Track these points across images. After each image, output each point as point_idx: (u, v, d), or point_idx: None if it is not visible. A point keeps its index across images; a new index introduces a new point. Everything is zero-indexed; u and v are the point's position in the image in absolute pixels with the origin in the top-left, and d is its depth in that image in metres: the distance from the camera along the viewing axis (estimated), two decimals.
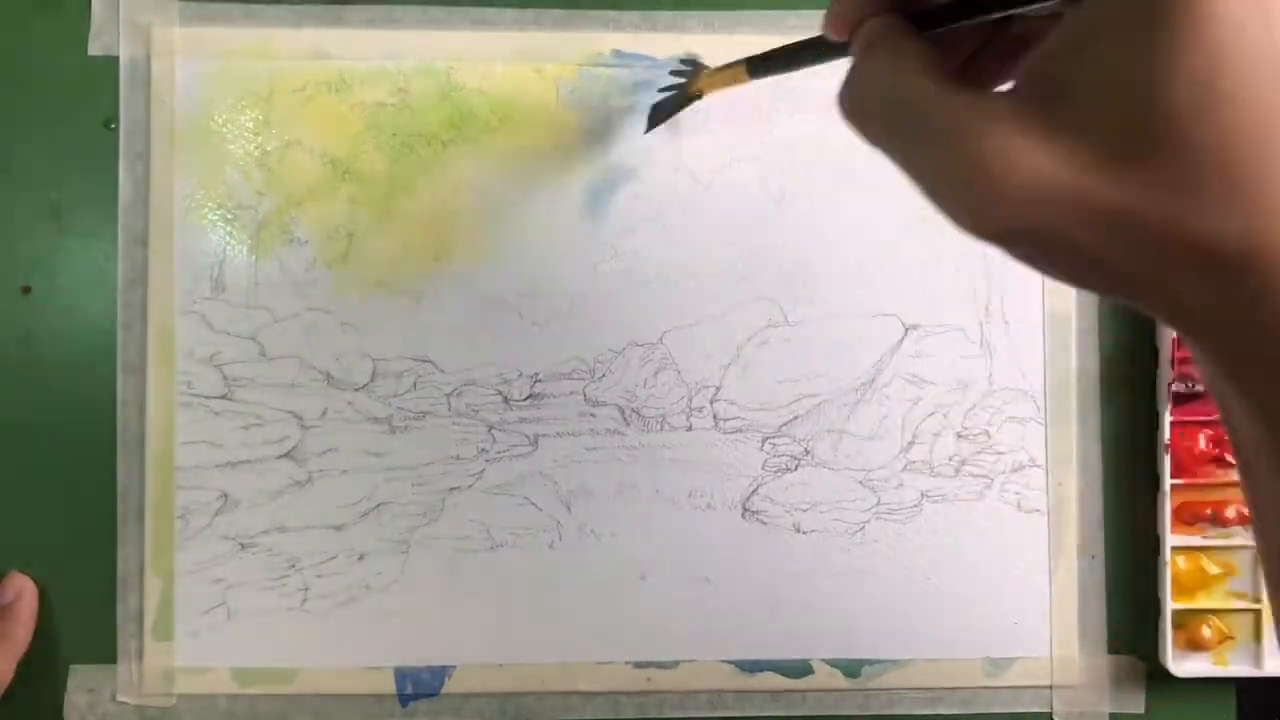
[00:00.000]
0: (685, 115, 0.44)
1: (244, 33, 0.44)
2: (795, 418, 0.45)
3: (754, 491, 0.44)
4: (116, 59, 0.44)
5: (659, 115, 0.43)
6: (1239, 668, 0.44)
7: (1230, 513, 0.44)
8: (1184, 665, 0.43)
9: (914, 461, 0.45)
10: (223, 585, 0.43)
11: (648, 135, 0.44)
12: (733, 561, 0.44)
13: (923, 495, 0.45)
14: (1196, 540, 0.44)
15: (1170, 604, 0.43)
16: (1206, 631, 0.44)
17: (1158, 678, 0.44)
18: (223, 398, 0.43)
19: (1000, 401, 0.45)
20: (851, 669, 0.44)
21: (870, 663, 0.44)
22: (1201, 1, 0.17)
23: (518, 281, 0.44)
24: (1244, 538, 0.44)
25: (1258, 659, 0.44)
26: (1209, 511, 0.44)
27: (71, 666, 0.43)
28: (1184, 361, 0.43)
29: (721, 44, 0.44)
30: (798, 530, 0.44)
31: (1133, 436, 0.45)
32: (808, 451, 0.45)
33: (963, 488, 0.45)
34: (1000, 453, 0.45)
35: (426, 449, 0.44)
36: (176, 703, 0.43)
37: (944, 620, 0.45)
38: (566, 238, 0.44)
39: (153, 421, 0.43)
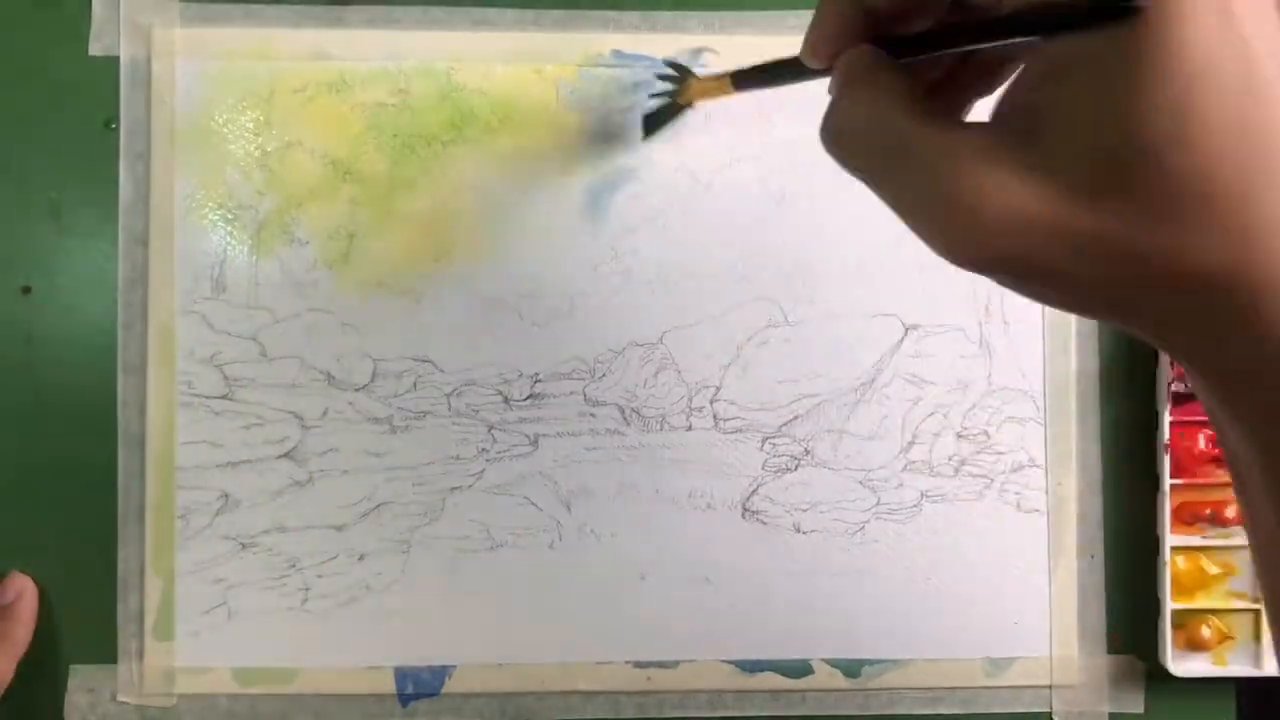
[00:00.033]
0: (685, 114, 0.44)
1: (244, 33, 0.44)
2: (795, 418, 0.45)
3: (754, 491, 0.44)
4: (117, 59, 0.44)
5: (653, 123, 0.43)
6: (1238, 668, 0.44)
7: (1230, 513, 0.44)
8: (1184, 665, 0.44)
9: (914, 461, 0.45)
10: (223, 585, 0.43)
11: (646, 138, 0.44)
12: (733, 561, 0.44)
13: (923, 495, 0.45)
14: (1196, 540, 0.44)
15: (1170, 604, 0.44)
16: (1206, 631, 0.44)
17: (1157, 678, 0.44)
18: (223, 398, 0.44)
19: (1000, 401, 0.45)
20: (851, 669, 0.44)
21: (870, 663, 0.44)
22: (1174, 34, 0.17)
23: (518, 281, 0.44)
24: (1243, 538, 0.44)
25: (1257, 659, 0.44)
26: (1208, 511, 0.44)
27: (71, 666, 0.43)
28: None
29: (722, 44, 0.44)
30: (798, 530, 0.44)
31: (1132, 437, 0.45)
32: (808, 451, 0.45)
33: (963, 488, 0.45)
34: (1000, 453, 0.45)
35: (427, 449, 0.44)
36: (177, 703, 0.43)
37: (944, 620, 0.45)
38: (566, 238, 0.44)
39: (153, 421, 0.43)
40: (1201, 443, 0.44)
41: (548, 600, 0.44)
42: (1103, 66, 0.17)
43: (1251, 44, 0.17)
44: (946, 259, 0.20)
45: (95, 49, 0.44)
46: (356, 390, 0.44)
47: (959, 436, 0.45)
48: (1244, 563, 0.44)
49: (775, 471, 0.45)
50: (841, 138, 0.22)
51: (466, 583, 0.44)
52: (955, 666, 0.45)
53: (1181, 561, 0.44)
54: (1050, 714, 0.45)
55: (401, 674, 0.44)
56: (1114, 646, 0.45)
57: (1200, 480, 0.44)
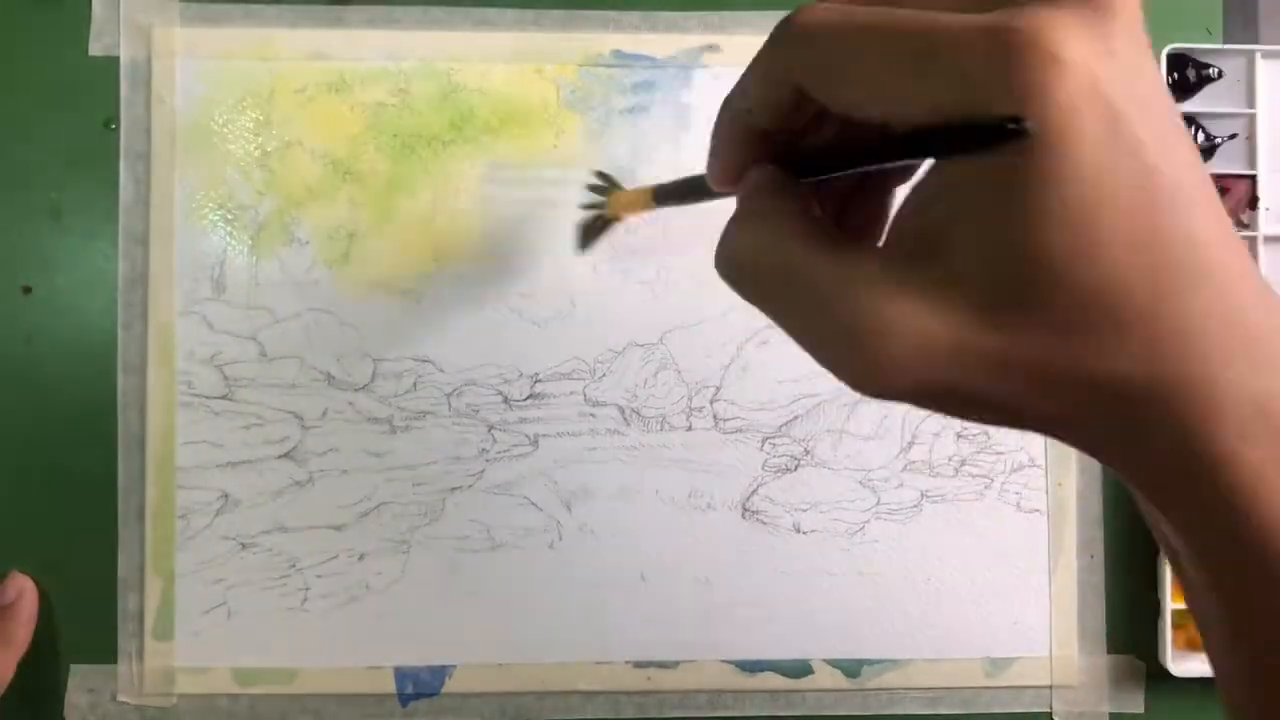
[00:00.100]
0: (685, 114, 0.44)
1: (244, 33, 0.44)
2: (795, 418, 0.45)
3: (754, 491, 0.44)
4: (117, 59, 0.44)
5: (586, 237, 0.43)
6: None
7: None
8: (1184, 665, 0.44)
9: (914, 461, 0.45)
10: (223, 585, 0.43)
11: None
12: (733, 561, 0.44)
13: (923, 495, 0.45)
14: None
15: (1170, 604, 0.44)
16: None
17: (1157, 678, 0.44)
18: (223, 398, 0.44)
19: None
20: (851, 669, 0.44)
21: (870, 663, 0.44)
22: (1064, 155, 0.16)
23: (518, 281, 0.44)
24: None
25: None
26: None
27: (71, 666, 0.43)
28: None
29: (722, 44, 0.44)
30: (798, 530, 0.44)
31: None
32: (808, 451, 0.45)
33: (963, 488, 0.45)
34: (1000, 453, 0.45)
35: (427, 449, 0.44)
36: (177, 703, 0.43)
37: (944, 620, 0.45)
38: (566, 238, 0.44)
39: (153, 421, 0.43)
40: None
41: (548, 600, 0.44)
42: (995, 187, 0.17)
43: (1146, 152, 0.17)
44: (858, 391, 0.19)
45: (95, 49, 0.44)
46: (356, 390, 0.44)
47: (959, 436, 0.45)
48: None
49: (775, 471, 0.44)
50: (734, 267, 0.21)
51: (466, 583, 0.44)
52: (955, 666, 0.45)
53: None
54: (1050, 714, 0.45)
55: (401, 674, 0.44)
56: (1114, 647, 0.45)
57: None
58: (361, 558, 0.44)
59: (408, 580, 0.44)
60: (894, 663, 0.44)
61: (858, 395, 0.20)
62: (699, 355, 0.44)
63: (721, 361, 0.44)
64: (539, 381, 0.44)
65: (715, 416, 0.44)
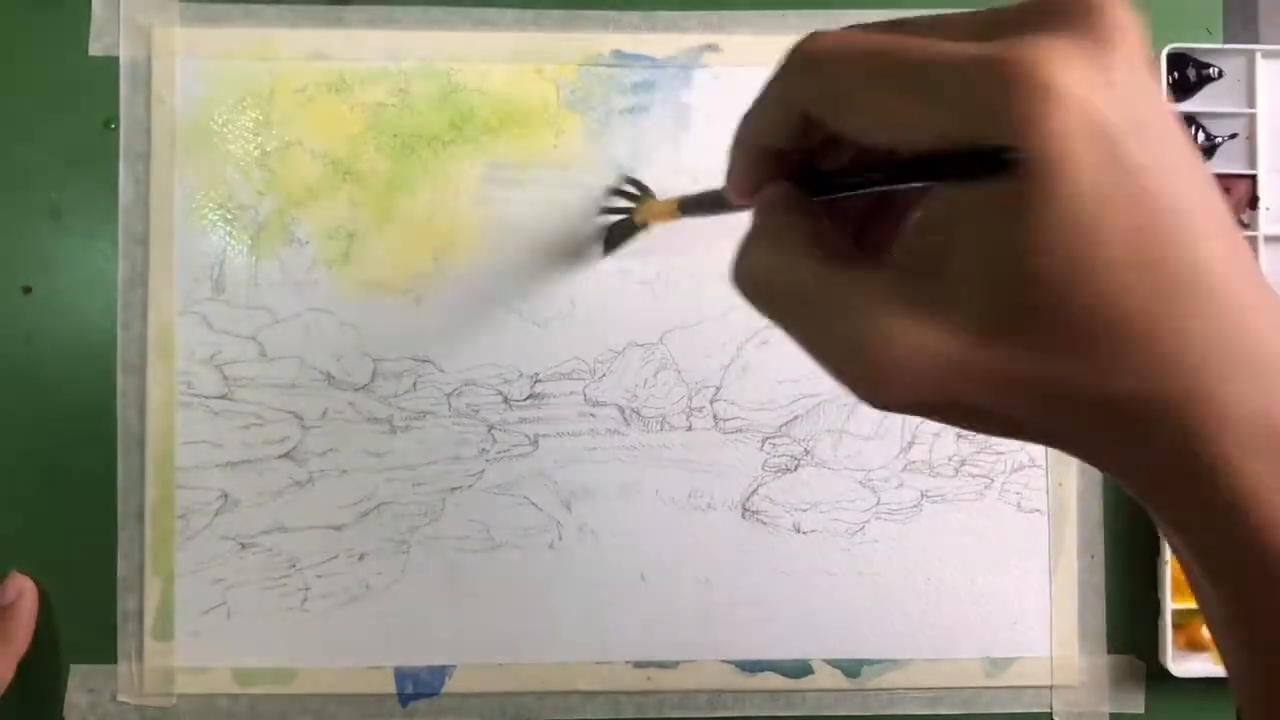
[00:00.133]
0: (685, 113, 0.44)
1: (244, 33, 0.44)
2: (795, 418, 0.45)
3: (754, 491, 0.44)
4: (117, 59, 0.44)
5: (613, 241, 0.43)
6: None
7: None
8: (1184, 665, 0.43)
9: (914, 461, 0.45)
10: (223, 585, 0.43)
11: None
12: (733, 561, 0.44)
13: (923, 495, 0.45)
14: None
15: (1170, 604, 0.43)
16: (1206, 632, 0.44)
17: (1158, 678, 0.44)
18: (223, 398, 0.44)
19: None
20: (851, 669, 0.44)
21: (870, 663, 0.44)
22: (1061, 182, 0.17)
23: (518, 281, 0.44)
24: None
25: None
26: None
27: (71, 666, 0.43)
28: None
29: (722, 43, 0.44)
30: (798, 530, 0.44)
31: None
32: (808, 451, 0.45)
33: (963, 488, 0.45)
34: (1000, 453, 0.45)
35: (427, 449, 0.44)
36: (176, 703, 0.43)
37: (944, 620, 0.45)
38: (567, 238, 0.44)
39: (153, 421, 0.43)
40: None
41: (548, 600, 0.44)
42: (996, 212, 0.17)
43: (1146, 177, 0.17)
44: (865, 403, 0.20)
45: (95, 49, 0.44)
46: (356, 390, 0.44)
47: (959, 437, 0.45)
48: None
49: (775, 471, 0.44)
50: (749, 281, 0.22)
51: (466, 583, 0.44)
52: (955, 666, 0.45)
53: None
54: (1050, 714, 0.45)
55: (401, 674, 0.44)
56: (1114, 647, 0.45)
57: None
58: (361, 558, 0.44)
59: (408, 580, 0.44)
60: (894, 663, 0.44)
61: None
62: (699, 355, 0.44)
63: (721, 361, 0.44)
64: (539, 381, 0.44)
65: (715, 416, 0.44)
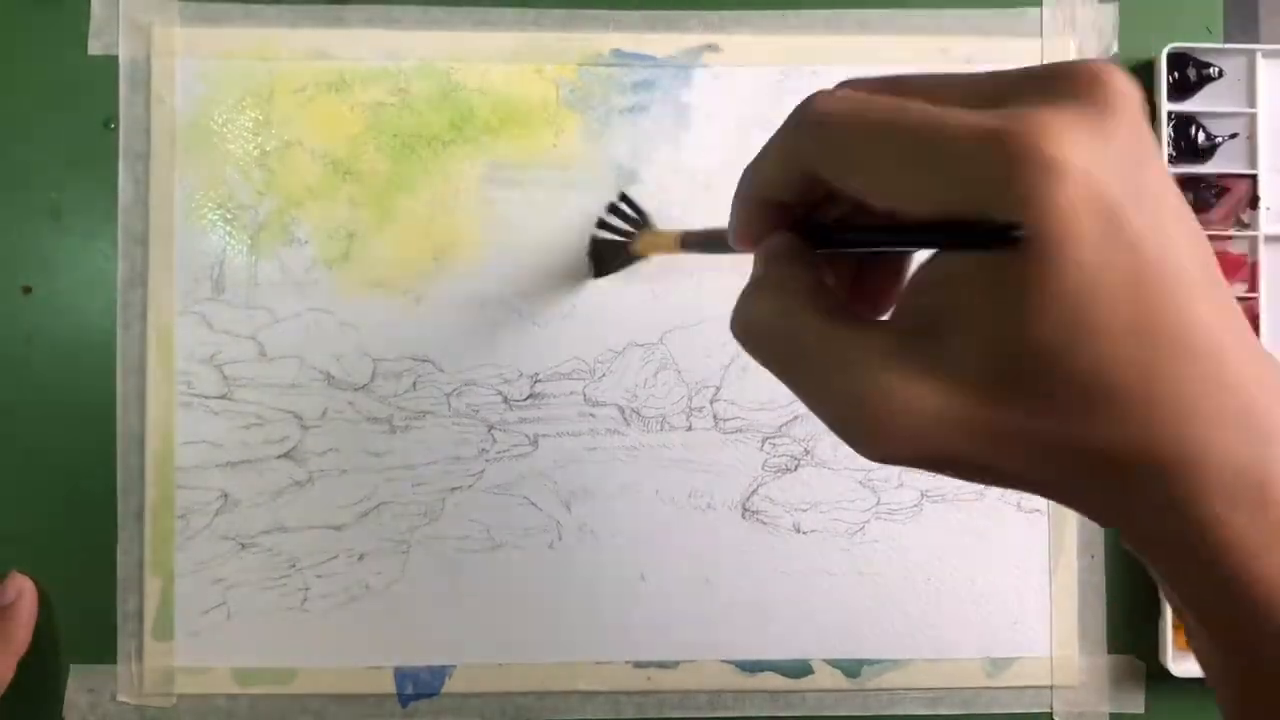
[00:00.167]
0: (685, 113, 0.44)
1: (244, 33, 0.44)
2: (795, 418, 0.45)
3: (754, 491, 0.44)
4: (116, 59, 0.44)
5: (606, 263, 0.43)
6: None
7: None
8: (1184, 665, 0.43)
9: None
10: (223, 585, 0.43)
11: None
12: (733, 561, 0.44)
13: (923, 495, 0.45)
14: None
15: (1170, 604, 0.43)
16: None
17: (1158, 678, 0.44)
18: (223, 398, 0.44)
19: None
20: (851, 669, 0.44)
21: (870, 663, 0.44)
22: (1061, 255, 0.17)
23: (518, 281, 0.44)
24: None
25: None
26: None
27: (71, 666, 0.43)
28: None
29: (722, 43, 0.44)
30: (798, 530, 0.44)
31: None
32: (808, 451, 0.45)
33: (963, 488, 0.45)
34: None
35: (426, 449, 0.44)
36: (176, 703, 0.43)
37: (944, 620, 0.45)
38: (567, 237, 0.44)
39: (153, 421, 0.43)
40: None
41: (548, 600, 0.44)
42: (995, 281, 0.18)
43: (1144, 245, 0.17)
44: (864, 457, 0.20)
45: (95, 49, 0.44)
46: (356, 390, 0.44)
47: None
48: None
49: (775, 471, 0.44)
50: (751, 332, 0.22)
51: (466, 583, 0.44)
52: (955, 666, 0.45)
53: None
54: (1050, 714, 0.45)
55: (401, 674, 0.44)
56: (1114, 647, 0.45)
57: None
58: (361, 558, 0.44)
59: (408, 580, 0.44)
60: (894, 663, 0.44)
61: None
62: (699, 355, 0.44)
63: (721, 361, 0.44)
64: (539, 381, 0.44)
65: (715, 416, 0.44)
